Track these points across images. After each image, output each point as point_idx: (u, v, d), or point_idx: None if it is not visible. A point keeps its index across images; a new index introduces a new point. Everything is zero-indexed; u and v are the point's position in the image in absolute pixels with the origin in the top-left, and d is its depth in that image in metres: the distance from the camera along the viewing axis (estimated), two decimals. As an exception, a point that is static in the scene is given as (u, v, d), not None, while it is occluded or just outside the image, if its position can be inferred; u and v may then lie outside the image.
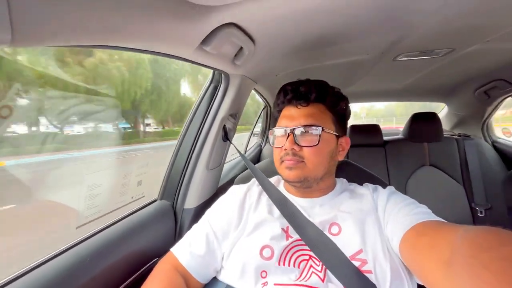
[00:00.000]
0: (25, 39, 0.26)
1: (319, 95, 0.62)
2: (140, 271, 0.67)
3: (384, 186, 0.66)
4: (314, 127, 0.59)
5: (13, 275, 0.47)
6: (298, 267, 0.53)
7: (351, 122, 1.21)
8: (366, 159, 1.73)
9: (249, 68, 0.86)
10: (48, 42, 0.29)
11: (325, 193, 0.64)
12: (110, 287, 0.60)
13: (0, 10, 0.22)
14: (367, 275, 0.48)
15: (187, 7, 0.41)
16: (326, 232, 0.55)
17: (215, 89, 0.92)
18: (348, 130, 1.98)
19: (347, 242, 0.53)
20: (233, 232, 0.61)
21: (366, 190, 0.63)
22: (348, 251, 0.51)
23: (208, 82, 0.93)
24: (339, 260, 0.50)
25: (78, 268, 0.54)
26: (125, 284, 0.63)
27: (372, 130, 1.83)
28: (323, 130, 0.59)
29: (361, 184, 0.68)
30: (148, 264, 0.70)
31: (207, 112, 0.92)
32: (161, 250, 0.67)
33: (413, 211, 0.51)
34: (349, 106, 0.69)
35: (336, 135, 0.62)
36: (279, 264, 0.53)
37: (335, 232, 0.56)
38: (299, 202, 0.63)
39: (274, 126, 0.66)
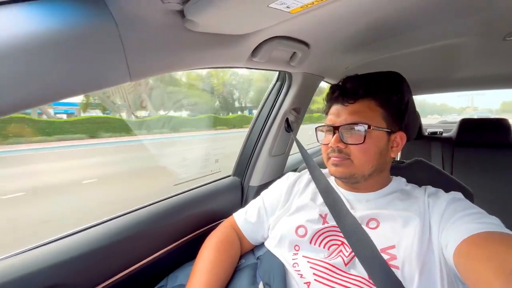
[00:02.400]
0: (138, 76, 0.46)
1: (367, 91, 0.61)
2: (210, 225, 0.91)
3: (462, 191, 0.62)
4: (360, 125, 0.59)
5: (119, 213, 0.76)
6: (328, 249, 0.60)
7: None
8: (485, 162, 1.44)
9: (311, 65, 0.92)
10: (152, 75, 0.49)
11: (374, 189, 0.65)
12: (188, 232, 0.86)
13: (120, 61, 0.41)
14: (394, 270, 0.50)
15: (230, 37, 0.55)
16: (364, 226, 0.58)
17: (281, 85, 1.04)
18: (457, 126, 1.70)
19: (381, 237, 0.55)
20: (279, 210, 0.73)
21: (421, 193, 0.62)
22: (380, 245, 0.53)
23: (275, 79, 1.05)
24: (368, 250, 0.52)
25: (171, 213, 0.81)
26: (198, 231, 0.88)
27: (497, 126, 1.49)
28: (369, 127, 0.59)
29: (436, 186, 0.64)
30: (216, 222, 0.93)
31: (273, 106, 1.05)
32: (228, 214, 0.82)
33: (476, 220, 0.48)
34: (407, 99, 0.66)
35: (387, 131, 0.62)
36: (310, 243, 0.62)
37: (373, 226, 0.59)
38: (346, 195, 0.67)
39: None
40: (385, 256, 0.52)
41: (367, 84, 0.62)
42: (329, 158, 0.64)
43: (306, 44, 0.74)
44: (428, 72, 1.37)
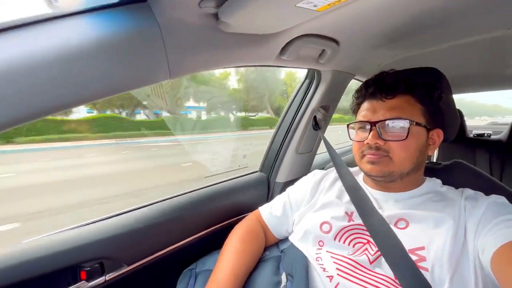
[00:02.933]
0: (177, 73, 0.51)
1: (407, 86, 0.59)
2: (237, 218, 0.95)
3: (508, 196, 0.58)
4: (402, 120, 0.57)
5: (159, 199, 0.83)
6: (353, 247, 0.60)
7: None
8: None
9: (341, 62, 0.91)
10: (189, 73, 0.54)
11: (406, 189, 0.63)
12: (216, 222, 0.91)
13: (162, 61, 0.46)
14: (422, 272, 0.49)
15: (260, 37, 0.58)
16: (392, 226, 0.57)
17: (309, 84, 1.04)
18: (509, 127, 1.53)
19: (410, 237, 0.54)
20: (304, 206, 0.74)
21: (457, 195, 0.59)
22: (408, 245, 0.52)
23: (304, 77, 1.06)
24: (395, 250, 0.52)
25: (202, 203, 0.87)
26: (225, 222, 0.93)
27: None
28: (411, 123, 0.57)
29: (477, 190, 0.61)
30: (243, 215, 0.97)
31: (301, 103, 1.06)
32: (254, 208, 0.87)
33: None
34: (446, 96, 0.63)
35: (427, 128, 0.60)
36: (334, 239, 0.62)
37: (401, 226, 0.57)
38: (374, 194, 0.66)
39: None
40: (414, 257, 0.51)
41: (406, 79, 0.60)
42: (363, 156, 0.62)
43: (335, 41, 0.74)
44: (471, 69, 1.26)
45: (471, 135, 1.75)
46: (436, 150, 1.19)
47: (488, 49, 0.97)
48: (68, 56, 0.37)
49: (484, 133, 1.74)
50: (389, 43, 0.84)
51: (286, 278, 0.60)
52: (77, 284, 0.62)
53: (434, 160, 1.15)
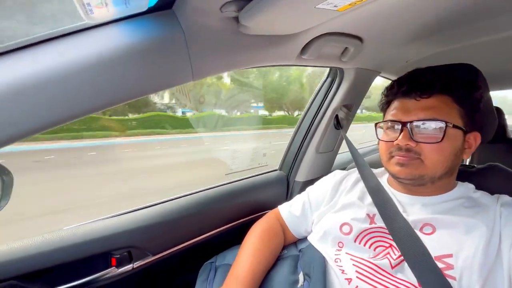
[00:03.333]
0: (199, 75, 0.53)
1: (445, 85, 0.55)
2: (255, 215, 0.97)
3: None
4: (438, 122, 0.53)
5: (183, 194, 0.87)
6: (374, 250, 0.58)
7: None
8: None
9: (365, 59, 0.88)
10: (210, 74, 0.56)
11: (435, 193, 0.60)
12: (235, 219, 0.93)
13: (185, 63, 0.48)
14: (449, 280, 0.47)
15: (280, 37, 0.58)
16: (417, 231, 0.55)
17: (331, 82, 1.02)
18: None
19: (437, 243, 0.51)
20: (324, 207, 0.73)
21: (492, 201, 0.55)
22: (435, 252, 0.49)
23: (325, 76, 1.04)
24: (420, 256, 0.49)
25: (222, 199, 0.91)
26: (244, 219, 0.95)
27: None
28: (447, 125, 0.53)
29: None
30: (261, 213, 0.98)
31: (322, 102, 1.04)
32: (273, 207, 0.85)
33: None
34: (485, 95, 0.59)
35: (463, 130, 0.56)
36: (355, 241, 0.61)
37: (427, 232, 0.55)
38: (399, 197, 0.63)
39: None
40: (440, 265, 0.48)
41: (444, 78, 0.56)
42: (391, 157, 0.59)
43: (359, 38, 0.72)
44: (508, 65, 1.15)
45: None
46: None
47: None
48: (103, 62, 0.40)
49: None
50: (416, 39, 0.79)
51: (304, 277, 0.61)
52: (108, 270, 0.68)
53: (467, 163, 1.07)
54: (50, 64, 0.37)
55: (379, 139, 0.64)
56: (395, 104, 0.62)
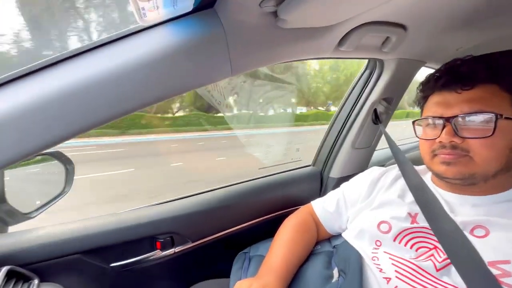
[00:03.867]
0: (238, 71, 0.54)
1: (489, 74, 0.51)
2: (288, 209, 0.98)
3: None
4: (485, 114, 0.49)
5: (221, 185, 0.90)
6: (416, 251, 0.55)
7: None
8: None
9: (408, 49, 0.82)
10: (248, 69, 0.57)
11: (488, 193, 0.54)
12: (269, 212, 0.95)
13: (225, 59, 0.50)
14: None
15: (317, 30, 0.57)
16: (467, 233, 0.50)
17: (370, 74, 0.97)
18: None
19: (491, 248, 0.47)
20: (360, 204, 0.71)
21: None
22: (488, 257, 0.45)
23: (364, 68, 0.99)
24: (471, 260, 0.46)
25: (257, 192, 0.93)
26: (278, 213, 0.96)
27: None
28: (497, 117, 0.48)
29: None
30: (295, 207, 0.99)
31: (360, 95, 1.00)
32: (306, 202, 0.88)
33: None
34: None
35: None
36: (394, 241, 0.58)
37: (479, 234, 0.50)
38: (445, 196, 0.59)
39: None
40: (495, 271, 0.44)
41: (488, 65, 0.51)
42: (434, 155, 0.56)
43: (402, 26, 0.67)
44: None
45: None
46: None
47: None
48: (152, 62, 0.44)
49: None
50: (468, 25, 0.72)
51: (339, 273, 0.60)
52: (153, 252, 0.75)
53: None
54: (109, 65, 0.42)
55: (418, 138, 0.60)
56: (434, 98, 0.57)
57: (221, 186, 0.92)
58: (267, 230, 0.82)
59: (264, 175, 1.02)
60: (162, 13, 0.40)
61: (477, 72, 0.51)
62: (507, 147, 0.50)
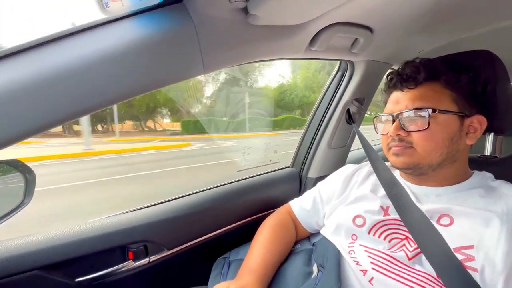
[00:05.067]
0: (210, 68, 0.54)
1: (430, 74, 0.57)
2: (268, 211, 0.97)
3: None
4: (422, 110, 0.55)
5: (198, 190, 0.88)
6: (389, 242, 0.57)
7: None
8: None
9: (376, 51, 0.87)
10: (221, 67, 0.57)
11: (448, 183, 0.59)
12: (248, 215, 0.93)
13: (197, 56, 0.49)
14: (470, 272, 0.45)
15: (289, 28, 0.58)
16: (434, 222, 0.54)
17: (342, 76, 1.01)
18: None
19: (456, 235, 0.50)
20: (335, 200, 0.73)
21: (510, 191, 0.53)
22: (453, 243, 0.48)
23: (336, 70, 1.03)
24: (438, 248, 0.48)
25: (235, 195, 0.91)
26: (257, 215, 0.95)
27: None
28: (434, 111, 0.54)
29: None
30: (274, 209, 0.98)
31: (333, 97, 1.03)
32: (285, 202, 0.88)
33: None
34: (500, 80, 0.59)
35: (460, 115, 0.55)
36: (369, 233, 0.60)
37: (445, 223, 0.53)
38: (412, 188, 0.63)
39: None
40: (460, 256, 0.47)
41: (428, 65, 0.58)
42: (389, 148, 0.61)
43: (369, 28, 0.71)
44: None
45: None
46: (490, 142, 1.06)
47: None
48: (117, 56, 0.42)
49: None
50: (430, 27, 0.77)
51: (317, 269, 0.60)
52: (125, 263, 0.70)
53: (488, 153, 1.02)
54: (69, 59, 0.39)
55: (377, 133, 0.66)
56: (390, 97, 0.64)
57: (198, 190, 0.89)
58: (248, 234, 0.80)
59: (243, 177, 1.00)
60: (126, 4, 0.39)
61: (418, 72, 0.57)
62: (447, 138, 0.55)
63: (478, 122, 0.57)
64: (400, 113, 0.58)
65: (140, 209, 0.78)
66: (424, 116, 0.55)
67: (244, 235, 0.84)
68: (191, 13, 0.47)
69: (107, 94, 0.43)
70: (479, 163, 0.69)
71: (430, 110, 0.54)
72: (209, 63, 0.53)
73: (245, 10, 0.50)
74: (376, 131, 0.67)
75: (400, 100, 0.60)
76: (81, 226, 0.67)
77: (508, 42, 0.96)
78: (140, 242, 0.71)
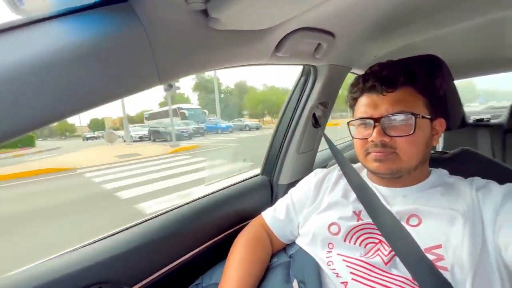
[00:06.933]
0: (167, 78, 0.47)
1: (407, 78, 0.56)
2: (241, 225, 0.91)
3: None
4: (407, 115, 0.54)
5: (153, 215, 0.78)
6: (365, 247, 0.57)
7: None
8: None
9: (337, 56, 0.88)
10: (180, 76, 0.50)
11: (412, 183, 0.60)
12: (219, 233, 0.86)
13: (150, 65, 0.42)
14: (442, 272, 0.46)
15: (253, 33, 0.55)
16: (404, 223, 0.54)
17: (306, 80, 1.01)
18: (508, 110, 1.52)
19: (425, 235, 0.51)
20: (308, 208, 0.71)
21: (467, 186, 0.55)
22: (424, 244, 0.49)
23: (300, 75, 1.02)
24: (411, 249, 0.49)
25: (202, 214, 0.83)
26: (229, 231, 0.89)
27: None
28: (417, 116, 0.54)
29: (487, 178, 0.58)
30: (247, 221, 0.93)
31: (299, 101, 1.03)
32: (258, 213, 0.83)
33: None
34: (448, 84, 0.62)
35: (429, 118, 0.57)
36: (344, 241, 0.59)
37: (414, 223, 0.54)
38: (381, 191, 0.63)
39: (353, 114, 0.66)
40: (431, 257, 0.48)
41: (406, 70, 0.57)
42: (368, 153, 0.59)
43: (331, 34, 0.71)
44: (470, 53, 1.24)
45: (470, 121, 1.73)
46: (441, 139, 1.17)
47: (484, 33, 0.95)
48: (44, 66, 0.33)
49: (483, 118, 1.72)
50: (384, 33, 0.81)
51: (298, 285, 0.57)
52: None
53: (440, 150, 1.13)
54: None
55: (353, 137, 0.64)
56: (362, 100, 0.61)
57: (160, 213, 0.79)
58: (221, 253, 0.74)
59: (210, 192, 0.93)
60: (49, 2, 0.30)
61: (398, 76, 0.57)
62: (424, 142, 0.56)
63: (440, 124, 0.60)
64: (382, 117, 0.56)
65: (91, 243, 0.65)
66: (409, 121, 0.54)
67: (217, 255, 0.77)
68: (139, 14, 0.39)
69: (32, 114, 0.33)
70: (434, 159, 0.73)
71: (414, 115, 0.54)
72: (165, 72, 0.46)
73: (205, 13, 0.44)
74: (351, 135, 0.65)
75: (378, 104, 0.57)
76: (16, 275, 0.54)
77: (448, 46, 1.06)
78: (95, 284, 0.60)
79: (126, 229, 0.71)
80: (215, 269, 0.73)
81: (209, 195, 0.91)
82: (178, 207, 0.82)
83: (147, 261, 0.68)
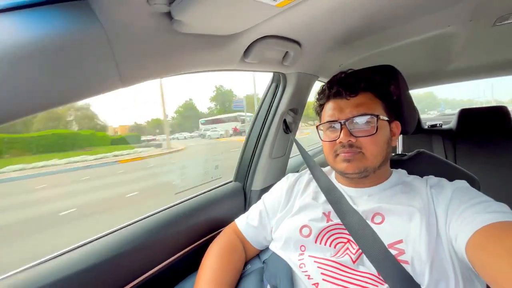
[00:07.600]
0: (130, 81, 0.45)
1: (367, 84, 0.62)
2: (214, 233, 0.89)
3: (468, 179, 0.61)
4: (369, 116, 0.59)
5: (118, 227, 0.73)
6: (334, 247, 0.59)
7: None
8: (488, 150, 1.47)
9: (304, 64, 0.92)
10: (144, 80, 0.48)
11: (376, 183, 0.64)
12: (191, 242, 0.83)
13: (110, 67, 0.41)
14: (403, 265, 0.49)
15: (220, 38, 0.55)
16: (369, 221, 0.57)
17: (276, 87, 1.04)
18: (456, 116, 1.70)
19: (388, 232, 0.54)
20: (280, 212, 0.72)
21: (422, 184, 0.60)
22: (387, 240, 0.52)
23: (270, 81, 1.05)
24: (376, 246, 0.51)
25: (173, 223, 0.79)
26: (202, 240, 0.86)
27: (496, 113, 1.53)
28: (378, 118, 0.59)
29: (441, 176, 0.63)
30: (220, 229, 0.91)
31: (269, 108, 1.05)
32: (232, 220, 0.80)
33: (487, 209, 0.47)
34: (403, 91, 0.67)
35: (388, 121, 0.63)
36: (315, 242, 0.60)
37: (378, 221, 0.57)
38: (348, 192, 0.66)
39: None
40: (393, 251, 0.51)
41: (366, 78, 0.63)
42: (336, 155, 0.62)
43: (297, 43, 0.74)
44: (422, 65, 1.37)
45: (426, 127, 1.90)
46: (400, 143, 1.26)
47: (433, 46, 1.06)
48: None
49: (436, 124, 1.91)
50: (346, 44, 0.86)
51: None
52: None
53: (400, 152, 1.22)
54: None
55: (322, 140, 0.67)
56: (329, 105, 0.66)
57: (126, 224, 0.74)
58: (194, 263, 0.71)
59: (181, 200, 0.90)
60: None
61: (359, 82, 0.62)
62: (385, 142, 0.61)
63: (396, 126, 0.66)
64: (348, 119, 0.60)
65: (43, 262, 0.59)
66: (371, 122, 0.59)
67: (189, 266, 0.74)
68: (97, 13, 0.38)
69: None
70: (394, 161, 0.79)
71: (375, 116, 0.59)
72: (128, 75, 0.44)
73: (169, 15, 0.44)
74: (320, 138, 0.68)
75: (343, 108, 0.62)
76: None
77: (403, 58, 1.17)
78: None
79: (90, 242, 0.65)
80: (186, 280, 0.69)
81: (180, 203, 0.88)
82: (146, 217, 0.78)
83: (114, 277, 0.63)
